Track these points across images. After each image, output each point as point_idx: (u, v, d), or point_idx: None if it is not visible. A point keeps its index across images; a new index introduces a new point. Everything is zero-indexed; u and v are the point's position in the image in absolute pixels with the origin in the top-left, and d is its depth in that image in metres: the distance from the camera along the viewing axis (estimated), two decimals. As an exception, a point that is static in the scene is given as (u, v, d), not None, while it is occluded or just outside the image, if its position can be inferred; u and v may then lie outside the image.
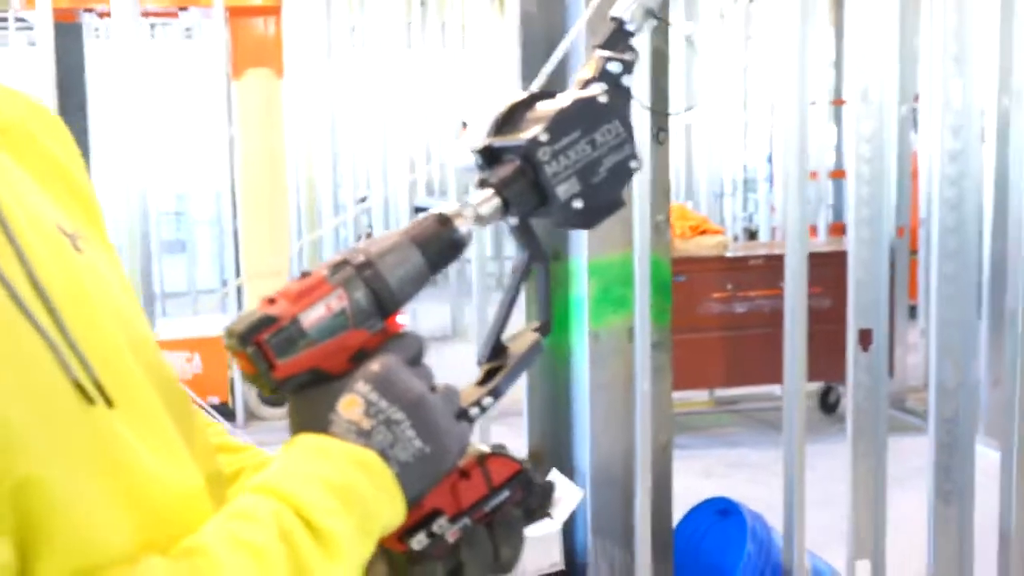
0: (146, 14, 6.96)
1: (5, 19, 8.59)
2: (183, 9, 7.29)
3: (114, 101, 6.09)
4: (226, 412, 6.11)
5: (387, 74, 9.14)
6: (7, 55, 9.73)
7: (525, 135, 0.97)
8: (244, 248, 6.85)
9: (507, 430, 5.56)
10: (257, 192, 6.91)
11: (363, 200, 9.76)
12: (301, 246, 7.94)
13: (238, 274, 6.81)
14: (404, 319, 0.98)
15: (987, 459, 3.69)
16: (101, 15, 7.07)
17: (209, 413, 4.99)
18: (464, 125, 8.95)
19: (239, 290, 6.87)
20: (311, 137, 8.55)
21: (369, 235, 9.59)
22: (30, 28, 7.82)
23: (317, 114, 8.76)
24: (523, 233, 1.00)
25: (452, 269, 9.19)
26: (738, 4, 9.52)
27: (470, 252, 5.78)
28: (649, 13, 1.02)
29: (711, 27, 9.19)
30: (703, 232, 6.16)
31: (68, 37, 7.22)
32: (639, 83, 3.43)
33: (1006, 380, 3.24)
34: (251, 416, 6.47)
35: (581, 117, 0.97)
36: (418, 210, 10.45)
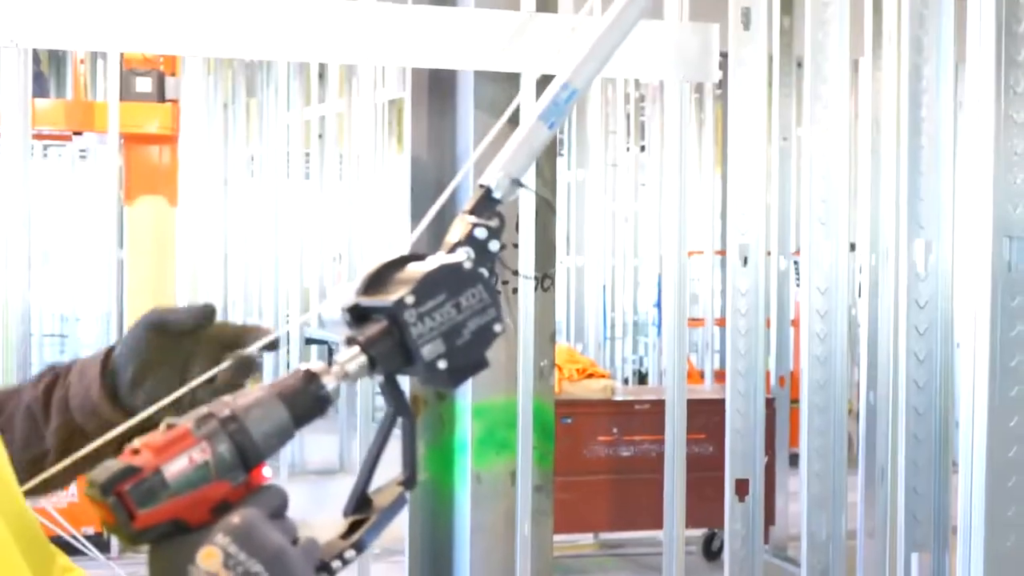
0: (39, 136, 6.93)
1: None
2: (77, 133, 7.28)
3: (1, 220, 6.02)
4: (101, 543, 5.93)
5: (283, 204, 9.19)
6: None
7: (392, 296, 1.00)
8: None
9: (389, 568, 5.50)
10: (144, 319, 6.82)
11: (254, 330, 9.67)
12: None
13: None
14: (268, 471, 0.99)
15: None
16: (-8, 135, 7.02)
17: (83, 544, 4.80)
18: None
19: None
20: (203, 265, 8.51)
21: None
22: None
23: (210, 242, 8.74)
24: (389, 390, 1.03)
25: (341, 402, 9.12)
26: (629, 153, 9.79)
27: (358, 386, 5.77)
28: (515, 182, 1.07)
29: (603, 174, 9.43)
30: (590, 375, 6.23)
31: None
32: (526, 228, 3.52)
33: (878, 532, 3.31)
34: (126, 547, 6.28)
35: (446, 281, 1.01)
36: (310, 341, 10.39)
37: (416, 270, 1.02)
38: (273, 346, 1.18)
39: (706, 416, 5.38)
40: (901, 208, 3.64)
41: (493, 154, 1.10)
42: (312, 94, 10.30)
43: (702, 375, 8.55)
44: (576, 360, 6.49)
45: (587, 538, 6.64)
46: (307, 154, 10.23)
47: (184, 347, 1.18)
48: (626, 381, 9.70)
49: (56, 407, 1.19)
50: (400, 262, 1.05)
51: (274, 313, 9.42)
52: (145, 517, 0.92)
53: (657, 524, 4.51)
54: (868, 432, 4.47)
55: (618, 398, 6.27)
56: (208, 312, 1.20)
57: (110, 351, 1.21)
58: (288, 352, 9.17)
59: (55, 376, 1.22)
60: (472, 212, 1.06)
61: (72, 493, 6.19)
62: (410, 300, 0.99)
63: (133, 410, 1.16)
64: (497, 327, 1.02)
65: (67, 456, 1.18)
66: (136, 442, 0.95)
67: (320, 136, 10.33)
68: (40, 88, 7.80)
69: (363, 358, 1.00)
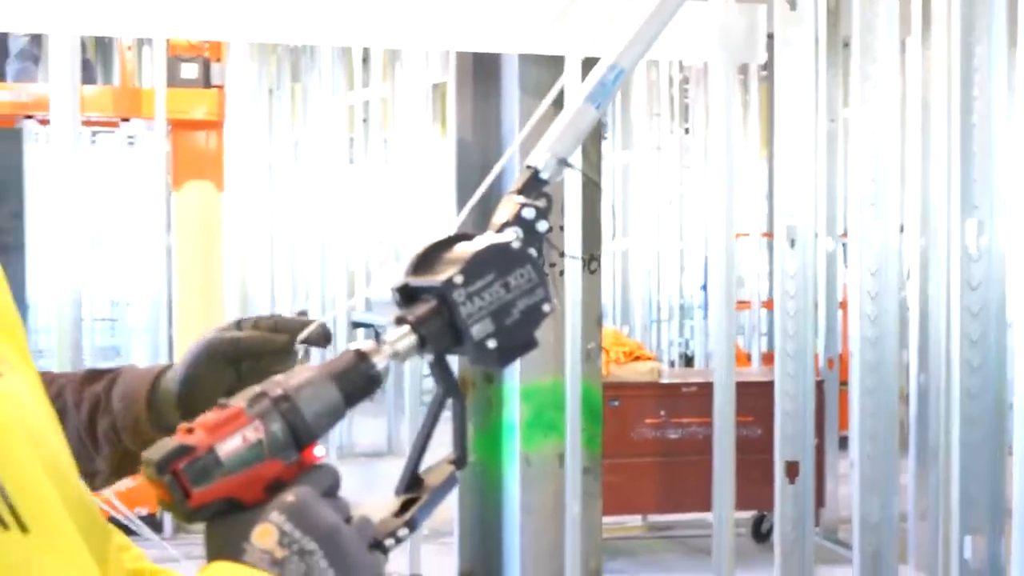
0: (87, 123, 6.99)
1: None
2: (125, 120, 7.34)
3: (52, 206, 6.10)
4: (154, 523, 6.00)
5: (328, 189, 9.22)
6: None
7: (441, 276, 1.00)
8: (178, 357, 6.81)
9: (439, 548, 5.53)
10: (193, 302, 6.90)
11: (302, 313, 9.74)
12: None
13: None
14: (320, 451, 1.00)
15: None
16: (42, 122, 7.09)
17: (137, 525, 4.86)
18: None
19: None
20: (250, 250, 8.56)
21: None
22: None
23: (257, 227, 8.79)
24: (439, 369, 1.03)
25: (389, 384, 9.16)
26: (674, 135, 9.74)
27: (405, 368, 5.80)
28: (563, 162, 1.06)
29: (648, 157, 9.39)
30: (636, 358, 6.22)
31: (8, 142, 7.24)
32: (572, 210, 3.52)
33: (931, 513, 3.28)
34: (179, 527, 6.35)
35: (495, 261, 1.01)
36: (356, 325, 10.44)
37: (465, 250, 1.02)
38: (318, 341, 1.21)
39: (753, 399, 5.37)
40: (953, 188, 3.59)
41: (538, 136, 1.10)
42: (356, 79, 10.33)
43: (749, 358, 8.52)
44: (623, 343, 6.48)
45: (636, 520, 6.64)
46: (351, 139, 10.26)
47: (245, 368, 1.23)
48: (672, 364, 9.68)
49: (105, 437, 1.23)
50: (449, 242, 1.05)
51: (320, 296, 9.47)
52: (200, 495, 0.93)
53: (705, 506, 4.51)
54: (920, 414, 4.44)
55: (665, 380, 6.26)
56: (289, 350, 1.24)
57: (159, 376, 1.25)
58: (335, 335, 9.21)
59: (96, 400, 1.24)
60: (520, 192, 1.06)
61: (124, 476, 6.26)
62: (459, 280, 1.00)
63: None
64: (546, 307, 1.02)
65: (121, 474, 1.25)
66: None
67: (364, 120, 10.34)
68: (87, 75, 7.86)
69: (413, 337, 1.00)
